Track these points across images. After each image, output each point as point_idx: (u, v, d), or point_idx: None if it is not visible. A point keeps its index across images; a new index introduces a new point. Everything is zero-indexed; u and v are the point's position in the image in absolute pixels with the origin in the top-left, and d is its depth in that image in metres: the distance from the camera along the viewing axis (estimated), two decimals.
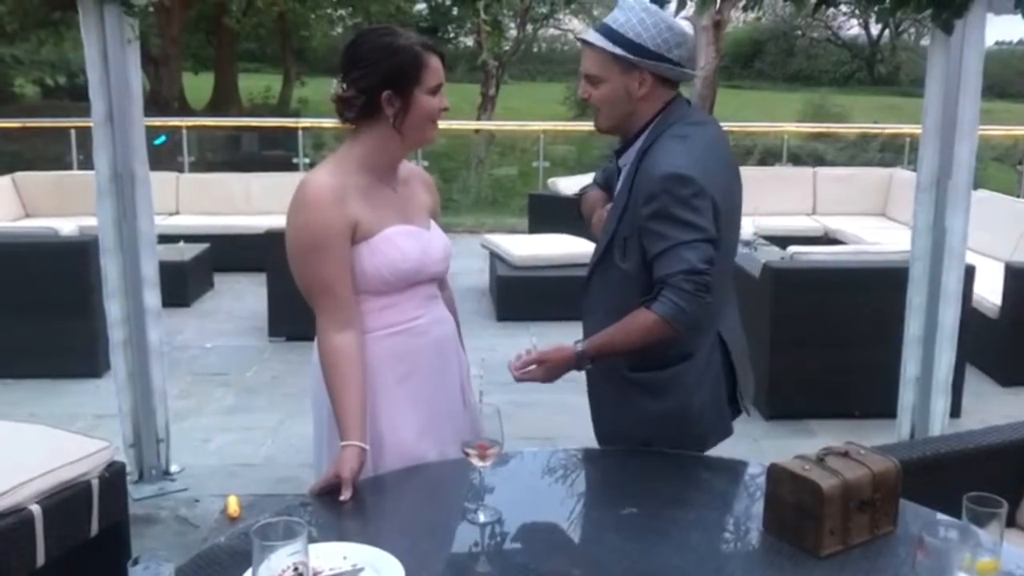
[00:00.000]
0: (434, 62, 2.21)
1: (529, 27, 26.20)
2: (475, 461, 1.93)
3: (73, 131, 10.69)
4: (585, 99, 2.38)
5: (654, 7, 2.32)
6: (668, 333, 2.21)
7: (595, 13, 32.65)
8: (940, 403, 3.94)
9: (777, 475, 1.85)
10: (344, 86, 2.21)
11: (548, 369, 2.30)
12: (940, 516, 1.91)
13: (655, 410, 2.38)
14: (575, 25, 33.12)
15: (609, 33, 2.28)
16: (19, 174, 9.13)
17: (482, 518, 1.92)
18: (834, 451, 1.89)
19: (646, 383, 2.37)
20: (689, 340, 2.30)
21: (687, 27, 2.34)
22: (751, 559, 1.87)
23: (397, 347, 2.26)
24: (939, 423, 3.95)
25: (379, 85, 2.17)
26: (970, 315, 4.53)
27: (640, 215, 2.25)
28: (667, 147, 2.26)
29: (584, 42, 2.34)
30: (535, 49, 33.58)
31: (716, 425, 2.46)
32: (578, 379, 2.45)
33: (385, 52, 2.18)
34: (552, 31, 32.19)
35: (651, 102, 2.33)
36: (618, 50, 2.26)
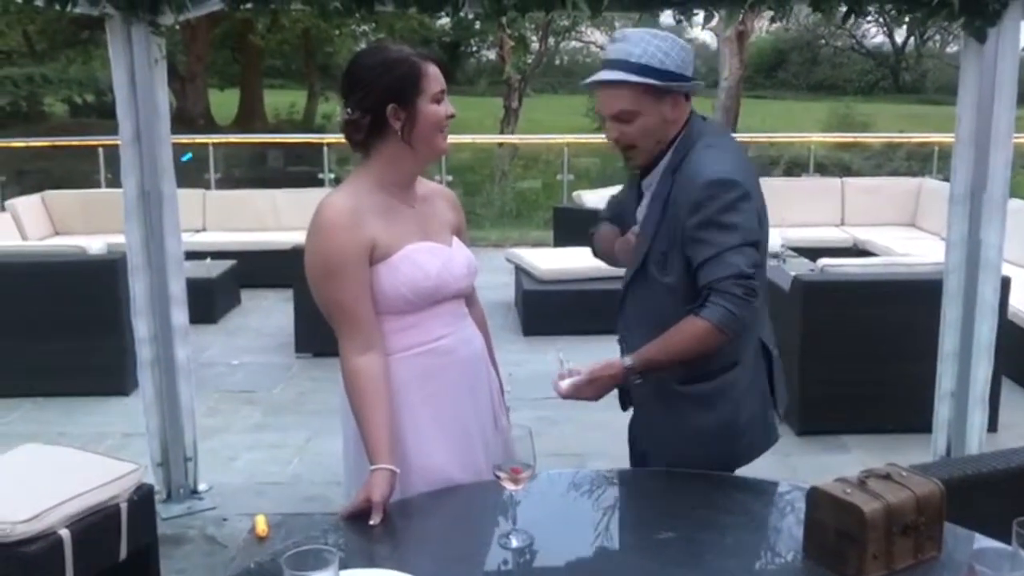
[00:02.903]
0: (432, 70, 2.19)
1: (551, 40, 26.26)
2: (507, 485, 1.89)
3: (101, 149, 10.79)
4: (617, 140, 2.31)
5: (658, 31, 2.30)
6: (719, 340, 2.19)
7: (617, 24, 32.69)
8: (977, 418, 3.86)
9: (818, 499, 1.80)
10: (349, 110, 2.19)
11: (598, 387, 2.25)
12: (985, 540, 1.86)
13: (706, 423, 2.36)
14: (597, 37, 33.13)
15: (631, 67, 2.23)
16: (48, 192, 9.22)
17: (515, 543, 1.89)
18: (876, 473, 1.84)
19: (697, 396, 2.35)
20: (734, 348, 2.29)
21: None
22: None
23: (422, 368, 2.23)
24: (976, 438, 3.88)
25: (382, 101, 2.16)
26: (1006, 327, 4.44)
27: (684, 226, 2.24)
28: (704, 157, 2.27)
29: (607, 83, 2.26)
30: (557, 62, 33.64)
31: (763, 435, 2.45)
32: (608, 395, 2.41)
33: (382, 67, 2.16)
34: (574, 43, 32.24)
35: (677, 123, 2.33)
36: (650, 80, 2.23)
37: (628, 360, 2.25)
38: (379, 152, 2.22)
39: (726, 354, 2.28)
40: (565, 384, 2.22)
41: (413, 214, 2.26)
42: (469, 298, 2.42)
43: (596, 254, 2.66)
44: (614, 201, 2.64)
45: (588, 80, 2.31)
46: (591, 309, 5.88)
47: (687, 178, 2.26)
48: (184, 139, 10.62)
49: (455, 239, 2.34)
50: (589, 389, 2.23)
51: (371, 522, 1.97)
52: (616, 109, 2.28)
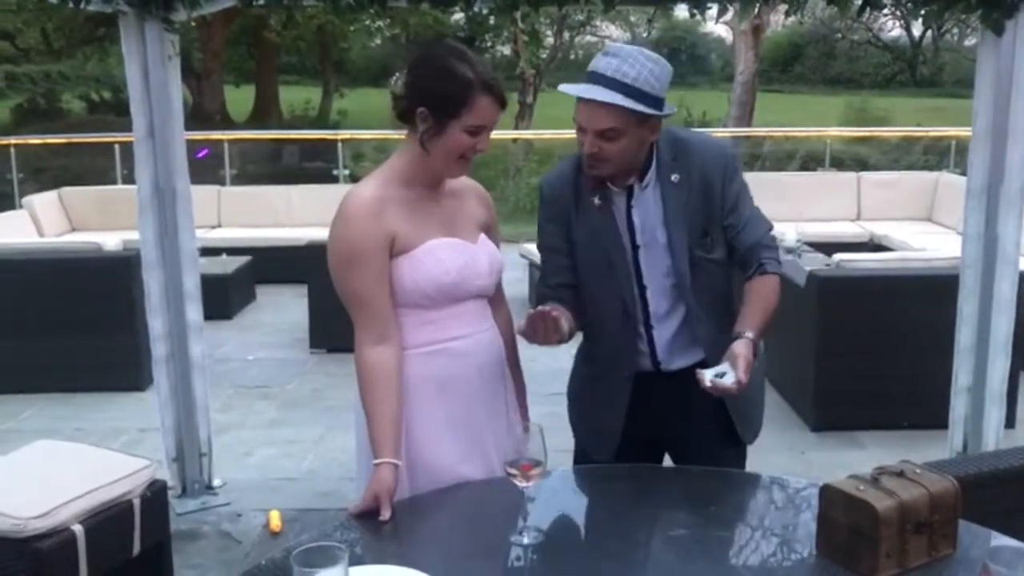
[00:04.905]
0: (483, 103, 2.11)
1: (566, 35, 26.18)
2: (518, 482, 1.88)
3: (117, 146, 10.83)
4: (594, 153, 2.26)
5: (650, 52, 2.27)
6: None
7: (632, 19, 32.54)
8: (994, 414, 3.83)
9: (831, 496, 1.79)
10: (400, 82, 2.18)
11: (750, 370, 2.15)
12: (1002, 538, 1.84)
13: (756, 376, 2.44)
14: (612, 32, 33.04)
15: (624, 88, 2.19)
16: (65, 189, 9.26)
17: (526, 539, 1.88)
18: (889, 470, 1.82)
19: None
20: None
21: None
22: None
23: (436, 367, 2.21)
24: (993, 435, 3.85)
25: (419, 99, 2.13)
26: (1023, 322, 4.40)
27: (725, 194, 2.34)
28: (696, 137, 2.43)
29: (596, 101, 2.20)
30: (572, 56, 33.53)
31: None
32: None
33: (439, 72, 2.12)
34: (589, 38, 32.17)
35: (649, 145, 2.32)
36: (640, 107, 2.20)
37: (750, 334, 2.21)
38: (409, 145, 2.20)
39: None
40: (730, 381, 2.11)
41: (439, 209, 2.24)
42: (495, 298, 2.39)
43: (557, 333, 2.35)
44: (555, 271, 2.46)
45: (575, 92, 2.22)
46: None
47: (707, 152, 2.37)
48: (199, 135, 10.66)
49: (482, 236, 2.31)
50: (746, 376, 2.15)
51: (381, 518, 1.97)
52: (602, 127, 2.22)
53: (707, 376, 2.11)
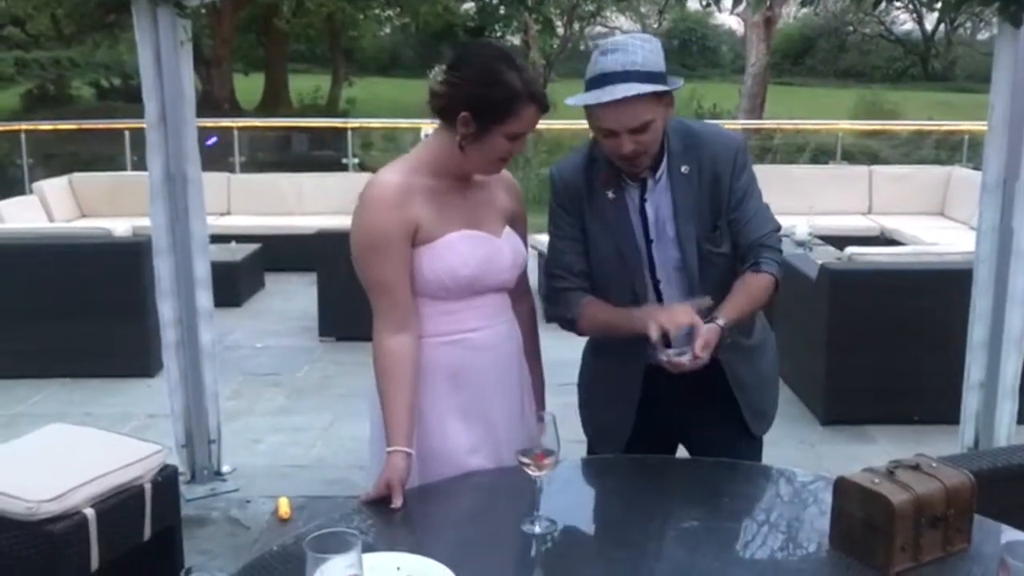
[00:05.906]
0: (529, 112, 2.11)
1: (576, 25, 26.15)
2: (531, 471, 1.88)
3: (127, 132, 10.84)
4: (635, 152, 2.20)
5: (637, 34, 2.27)
6: (776, 291, 2.34)
7: (643, 10, 32.45)
8: (1006, 409, 3.81)
9: (845, 489, 1.78)
10: (440, 78, 2.12)
11: (710, 351, 2.15)
12: (1014, 533, 1.83)
13: (768, 364, 2.53)
14: (622, 22, 32.94)
15: (644, 76, 2.15)
16: (75, 175, 9.28)
17: (538, 529, 1.88)
18: (904, 464, 1.81)
19: (755, 344, 2.45)
20: None
21: None
22: None
23: (449, 358, 2.21)
24: (1005, 430, 3.83)
25: (463, 103, 2.09)
26: None
27: (732, 188, 2.31)
28: (706, 128, 2.42)
29: (626, 99, 2.12)
30: (582, 47, 33.48)
31: None
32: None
33: (485, 76, 2.08)
34: (599, 28, 32.08)
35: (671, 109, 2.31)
36: (661, 86, 2.17)
37: (721, 320, 2.20)
38: (441, 137, 2.18)
39: None
40: (687, 359, 2.12)
41: (464, 201, 2.22)
42: (518, 289, 2.38)
43: (583, 332, 2.46)
44: (575, 259, 2.40)
45: (600, 98, 2.13)
46: None
47: (717, 144, 2.33)
48: (209, 123, 10.64)
49: (507, 229, 2.29)
50: (706, 354, 2.15)
51: (393, 505, 1.97)
52: (640, 121, 2.17)
53: (667, 354, 2.13)
